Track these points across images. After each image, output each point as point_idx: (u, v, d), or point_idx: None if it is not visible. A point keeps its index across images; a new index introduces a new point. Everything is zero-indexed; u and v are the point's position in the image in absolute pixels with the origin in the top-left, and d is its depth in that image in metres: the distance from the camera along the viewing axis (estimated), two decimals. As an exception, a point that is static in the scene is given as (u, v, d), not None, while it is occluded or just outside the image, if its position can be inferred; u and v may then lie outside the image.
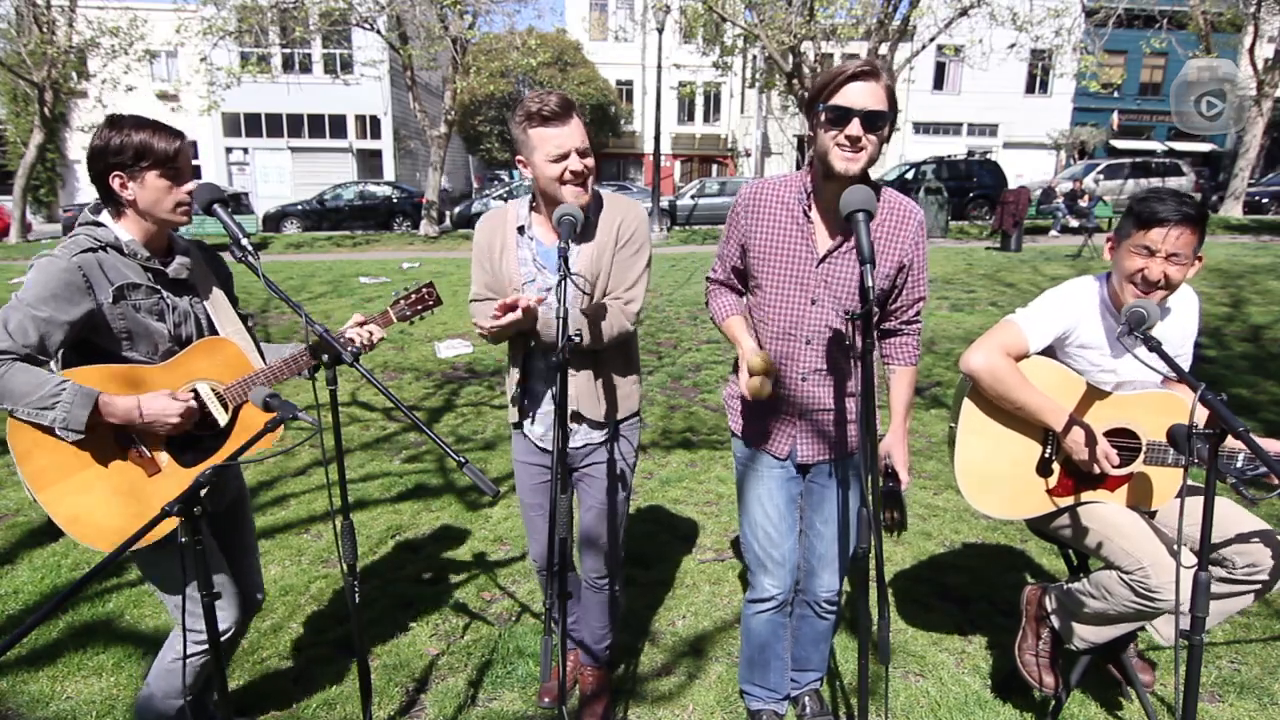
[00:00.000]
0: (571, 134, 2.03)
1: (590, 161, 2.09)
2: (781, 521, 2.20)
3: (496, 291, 2.22)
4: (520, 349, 2.27)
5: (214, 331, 2.04)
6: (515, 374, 2.28)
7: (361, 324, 2.16)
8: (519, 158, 2.13)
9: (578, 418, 2.26)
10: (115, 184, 1.85)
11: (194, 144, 28.56)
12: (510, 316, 2.00)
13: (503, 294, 2.19)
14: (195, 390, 1.96)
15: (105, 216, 1.90)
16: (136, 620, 2.98)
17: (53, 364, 1.84)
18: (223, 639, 2.01)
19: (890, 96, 1.88)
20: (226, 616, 2.01)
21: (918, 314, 2.15)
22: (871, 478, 1.66)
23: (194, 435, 1.96)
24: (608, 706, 2.48)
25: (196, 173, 2.01)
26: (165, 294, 1.94)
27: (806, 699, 2.49)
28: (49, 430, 1.77)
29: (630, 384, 2.31)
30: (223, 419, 1.99)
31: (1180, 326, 2.20)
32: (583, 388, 2.22)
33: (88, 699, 2.52)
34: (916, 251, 2.06)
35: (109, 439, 1.87)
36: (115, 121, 1.84)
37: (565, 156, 2.03)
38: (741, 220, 2.12)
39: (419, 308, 2.26)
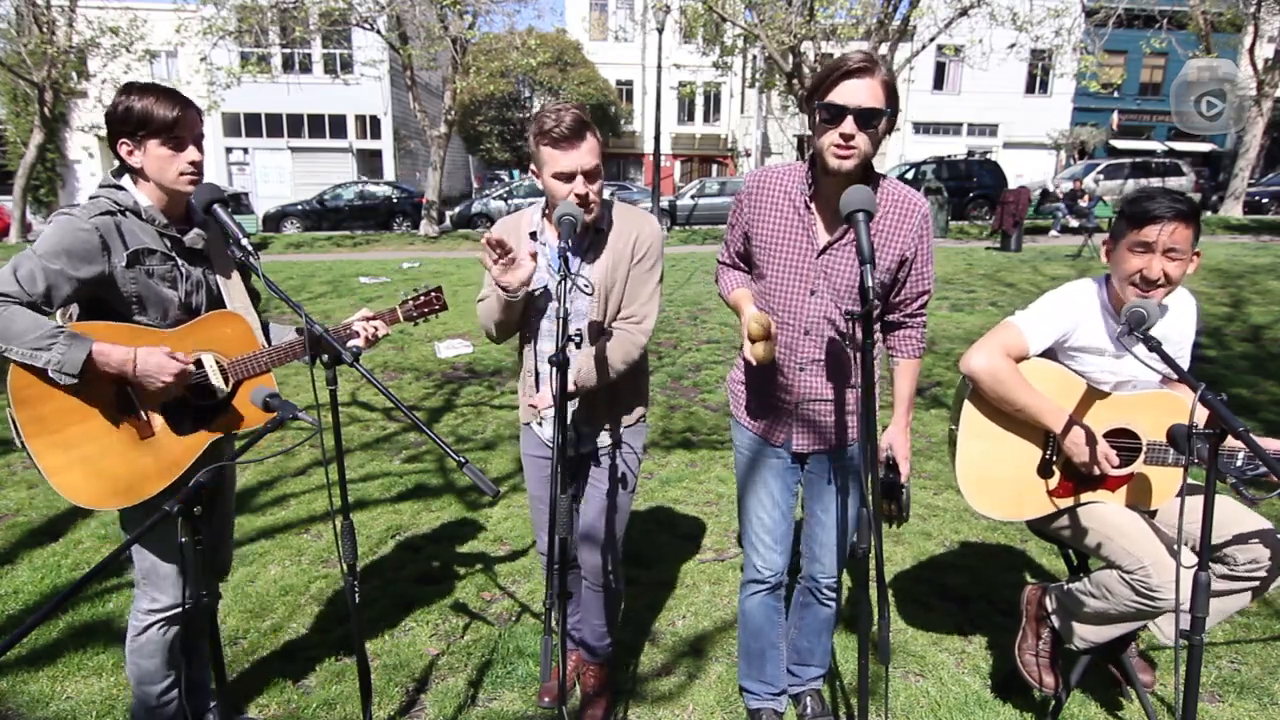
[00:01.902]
0: (580, 157, 2.04)
1: (597, 185, 2.10)
2: (775, 508, 2.24)
3: None
4: (532, 350, 2.29)
5: (223, 305, 2.07)
6: (530, 376, 2.31)
7: (369, 319, 2.18)
8: (532, 167, 2.15)
9: (586, 423, 2.29)
10: (123, 151, 1.88)
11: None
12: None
13: None
14: (199, 359, 1.98)
15: (126, 181, 1.93)
16: (136, 620, 2.98)
17: (57, 314, 1.86)
18: (173, 611, 2.05)
19: (888, 91, 1.86)
20: (176, 592, 2.04)
21: (922, 307, 2.14)
22: (871, 478, 1.66)
23: (191, 403, 1.98)
24: (608, 706, 2.48)
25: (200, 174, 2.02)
26: (180, 262, 1.97)
27: (808, 698, 2.49)
28: (43, 374, 1.78)
29: (638, 392, 2.36)
30: (223, 391, 2.02)
31: (1179, 327, 2.20)
32: (592, 398, 2.26)
33: (88, 699, 2.52)
34: (920, 244, 2.04)
35: (108, 397, 1.88)
36: (126, 89, 1.88)
37: (571, 178, 2.05)
38: (745, 208, 2.14)
39: (425, 310, 2.28)
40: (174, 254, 1.96)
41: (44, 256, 1.78)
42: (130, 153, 1.88)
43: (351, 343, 2.13)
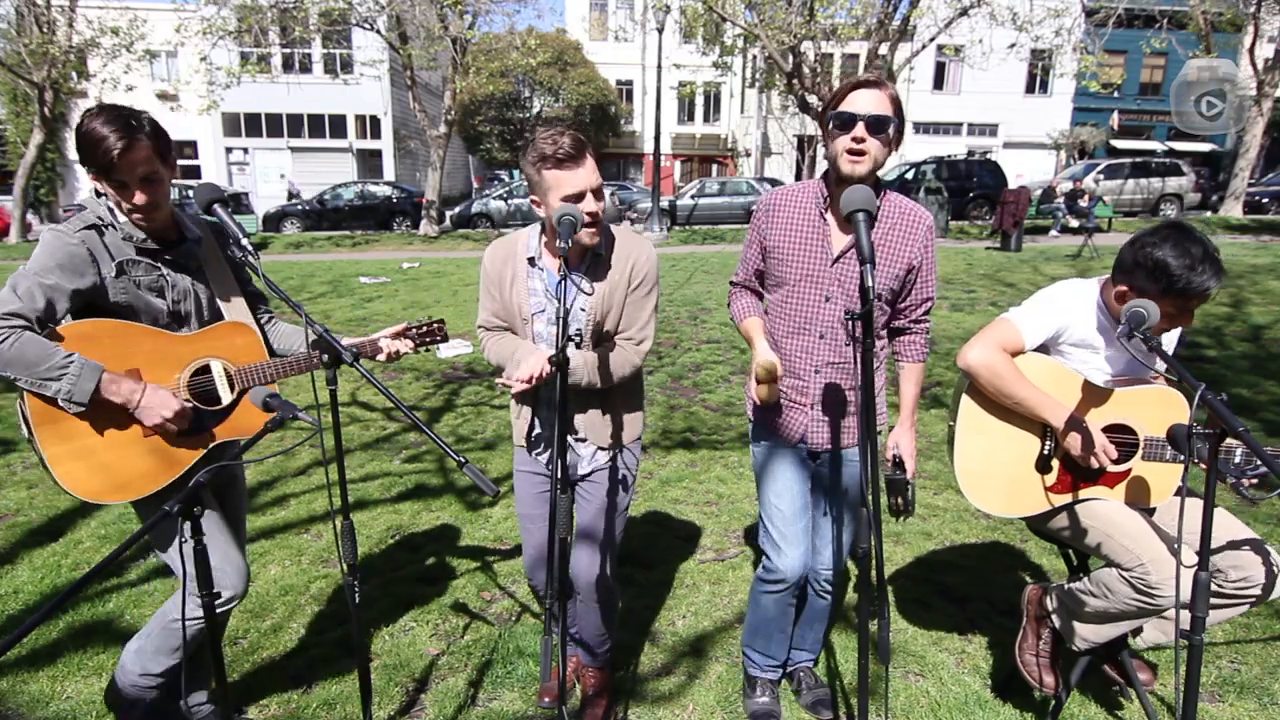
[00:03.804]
0: (586, 176, 2.03)
1: (604, 203, 2.11)
2: (794, 503, 2.29)
3: (504, 319, 2.28)
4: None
5: (216, 311, 2.11)
6: (525, 402, 2.32)
7: (396, 335, 2.27)
8: (532, 196, 2.13)
9: (584, 443, 2.31)
10: (90, 178, 1.88)
11: (194, 144, 28.56)
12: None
13: (511, 322, 2.26)
14: (208, 364, 2.03)
15: (108, 198, 1.93)
16: (136, 620, 2.98)
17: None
18: (225, 607, 2.05)
19: (896, 105, 1.99)
20: (230, 585, 2.03)
21: (926, 313, 2.25)
22: (871, 478, 1.67)
23: (196, 409, 2.02)
24: (608, 706, 2.48)
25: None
26: (165, 271, 1.99)
27: (801, 674, 2.59)
28: (51, 401, 1.82)
29: (636, 412, 2.37)
30: (227, 398, 2.06)
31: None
32: (591, 419, 2.27)
33: (88, 699, 2.52)
34: (926, 255, 2.15)
35: None
36: (83, 116, 1.83)
37: (580, 198, 2.04)
38: (761, 223, 2.24)
39: (428, 339, 2.37)
40: (158, 264, 1.98)
41: (39, 274, 1.80)
42: (96, 178, 1.86)
43: (381, 356, 2.22)
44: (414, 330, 2.35)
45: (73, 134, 1.84)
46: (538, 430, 2.33)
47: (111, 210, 1.91)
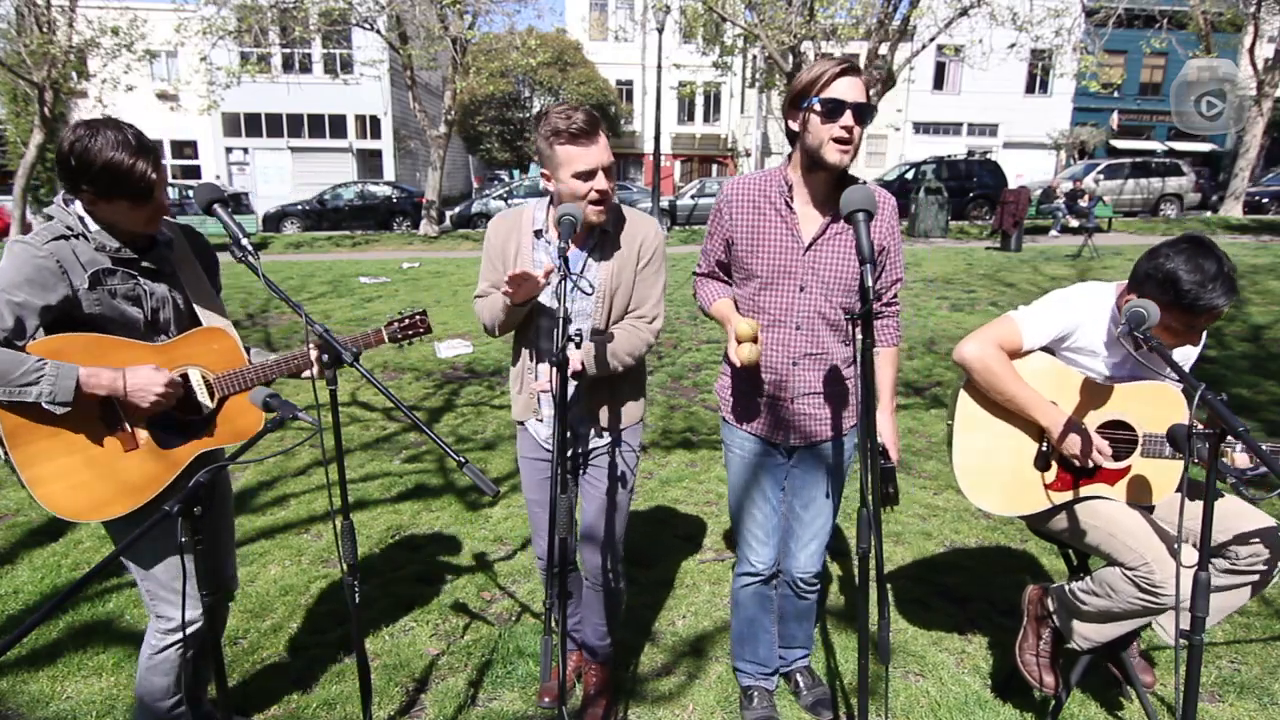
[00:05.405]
0: (599, 152, 2.03)
1: (614, 183, 2.11)
2: (767, 503, 2.31)
3: None
4: (528, 346, 2.29)
5: (194, 317, 2.04)
6: (528, 375, 2.31)
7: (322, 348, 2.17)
8: (543, 171, 2.13)
9: (585, 423, 2.29)
10: (84, 199, 1.82)
11: (194, 144, 28.55)
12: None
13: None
14: (185, 374, 1.97)
15: (78, 205, 1.86)
16: (136, 620, 2.98)
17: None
18: (191, 629, 2.01)
19: (869, 91, 2.00)
20: (193, 604, 1.98)
21: (895, 296, 2.23)
22: (871, 478, 1.67)
23: (177, 418, 1.97)
24: (609, 706, 2.48)
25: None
26: (141, 280, 1.93)
27: (799, 675, 2.59)
28: (32, 408, 1.77)
29: (637, 396, 2.37)
30: (208, 405, 2.00)
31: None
32: (594, 402, 2.26)
33: (88, 699, 2.52)
34: (893, 236, 2.16)
35: (93, 410, 1.86)
36: (85, 136, 1.75)
37: (593, 175, 2.04)
38: (725, 217, 2.19)
39: (410, 332, 2.29)
40: (134, 272, 1.92)
41: (6, 290, 1.74)
42: (93, 201, 1.81)
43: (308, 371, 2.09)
44: (394, 325, 2.26)
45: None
46: (547, 411, 2.30)
47: (82, 219, 1.85)
